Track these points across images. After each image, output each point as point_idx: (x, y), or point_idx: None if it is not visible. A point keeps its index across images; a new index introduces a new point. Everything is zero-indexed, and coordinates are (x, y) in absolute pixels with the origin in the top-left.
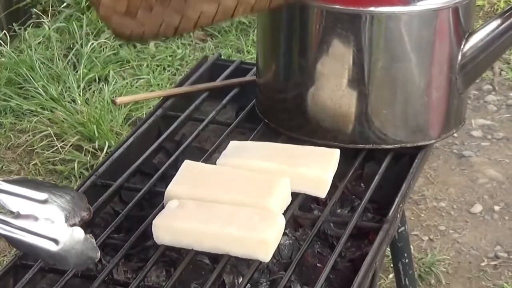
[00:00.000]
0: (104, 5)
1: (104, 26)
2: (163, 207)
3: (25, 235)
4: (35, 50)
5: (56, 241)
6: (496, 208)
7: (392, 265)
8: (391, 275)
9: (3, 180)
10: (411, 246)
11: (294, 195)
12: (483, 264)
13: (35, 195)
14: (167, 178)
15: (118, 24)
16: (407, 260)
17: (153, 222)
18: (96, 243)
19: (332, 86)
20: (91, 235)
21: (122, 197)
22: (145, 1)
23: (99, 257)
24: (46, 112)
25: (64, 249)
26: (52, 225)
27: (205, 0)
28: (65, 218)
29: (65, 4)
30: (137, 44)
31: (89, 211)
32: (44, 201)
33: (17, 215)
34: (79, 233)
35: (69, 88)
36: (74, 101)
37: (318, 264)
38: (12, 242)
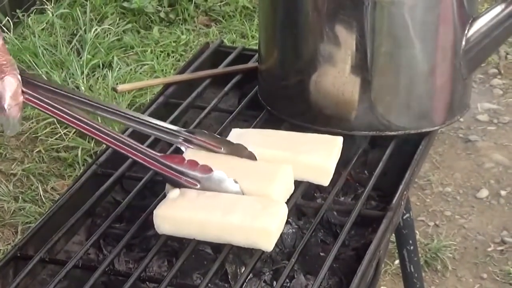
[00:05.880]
0: None
1: (108, 12)
2: (164, 196)
3: (171, 172)
4: (39, 36)
5: (198, 181)
6: (503, 193)
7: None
8: (396, 261)
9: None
10: (417, 232)
11: (297, 183)
12: (489, 249)
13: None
14: None
15: None
16: (412, 247)
17: (154, 212)
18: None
19: (335, 72)
20: (235, 179)
21: (124, 186)
22: None
23: None
24: None
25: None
26: (196, 166)
27: None
28: None
29: None
30: (140, 29)
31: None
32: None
33: (165, 155)
34: (221, 175)
35: (73, 74)
36: (77, 87)
37: (321, 253)
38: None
